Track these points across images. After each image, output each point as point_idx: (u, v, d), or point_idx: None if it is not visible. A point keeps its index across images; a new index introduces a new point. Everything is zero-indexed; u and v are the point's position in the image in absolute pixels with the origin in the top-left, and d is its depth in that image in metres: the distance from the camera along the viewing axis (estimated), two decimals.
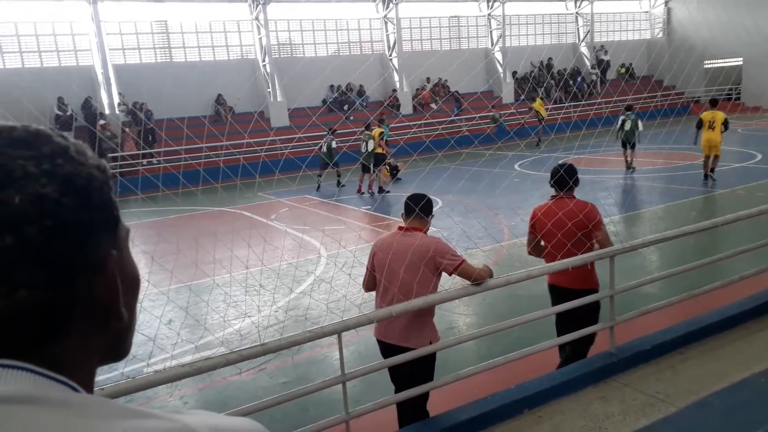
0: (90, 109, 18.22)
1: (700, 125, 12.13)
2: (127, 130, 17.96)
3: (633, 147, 14.03)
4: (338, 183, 15.15)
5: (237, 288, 6.00)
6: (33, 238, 0.51)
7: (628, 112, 14.29)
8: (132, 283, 0.62)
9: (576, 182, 4.27)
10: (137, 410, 0.54)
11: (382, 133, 14.61)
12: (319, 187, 14.68)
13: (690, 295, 4.71)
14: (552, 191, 4.31)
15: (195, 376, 3.19)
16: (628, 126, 13.95)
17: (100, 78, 19.08)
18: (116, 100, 19.17)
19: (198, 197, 10.21)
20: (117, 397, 2.90)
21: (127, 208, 10.29)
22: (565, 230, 4.03)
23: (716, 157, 11.92)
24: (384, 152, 14.33)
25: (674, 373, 4.10)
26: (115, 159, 15.70)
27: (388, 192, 13.83)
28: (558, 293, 4.27)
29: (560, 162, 4.38)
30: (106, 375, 3.70)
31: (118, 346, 0.63)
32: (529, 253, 4.48)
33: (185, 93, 18.85)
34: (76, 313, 0.55)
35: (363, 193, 14.04)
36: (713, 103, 12.52)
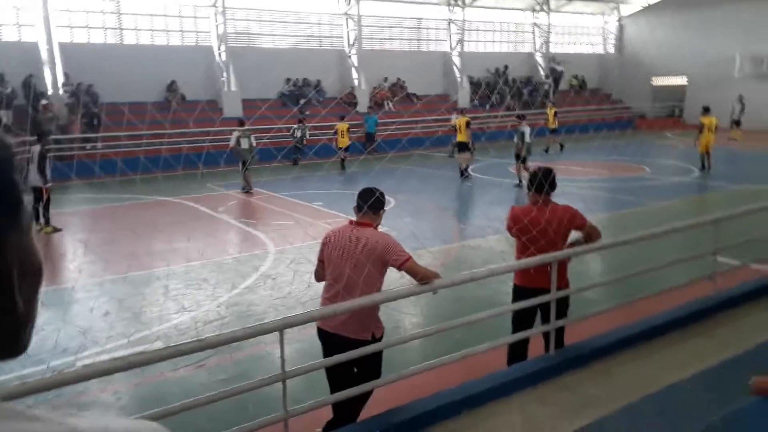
0: (31, 88, 17.34)
1: (701, 129, 14.47)
2: (74, 112, 17.21)
3: (524, 161, 13.15)
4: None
5: (178, 281, 5.82)
6: None
7: (523, 121, 13.58)
8: (32, 272, 0.58)
9: (553, 186, 4.33)
10: (20, 411, 0.50)
11: (468, 122, 14.75)
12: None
13: (626, 302, 4.88)
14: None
15: (128, 370, 3.07)
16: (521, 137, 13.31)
17: (44, 56, 18.21)
18: (60, 79, 18.34)
19: (138, 186, 9.86)
20: (44, 391, 2.76)
21: (66, 194, 9.83)
22: (549, 236, 4.14)
23: (709, 153, 14.68)
24: (467, 140, 14.51)
25: (608, 377, 4.24)
26: (57, 141, 15.01)
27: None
28: (533, 294, 4.27)
29: (539, 166, 4.43)
30: (31, 369, 3.51)
31: (12, 340, 0.57)
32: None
33: (135, 77, 18.18)
34: None
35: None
36: (707, 110, 14.73)
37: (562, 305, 4.40)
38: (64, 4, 18.84)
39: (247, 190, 12.98)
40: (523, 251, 4.31)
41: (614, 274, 6.18)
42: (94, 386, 4.16)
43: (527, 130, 13.41)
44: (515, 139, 13.68)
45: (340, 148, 16.01)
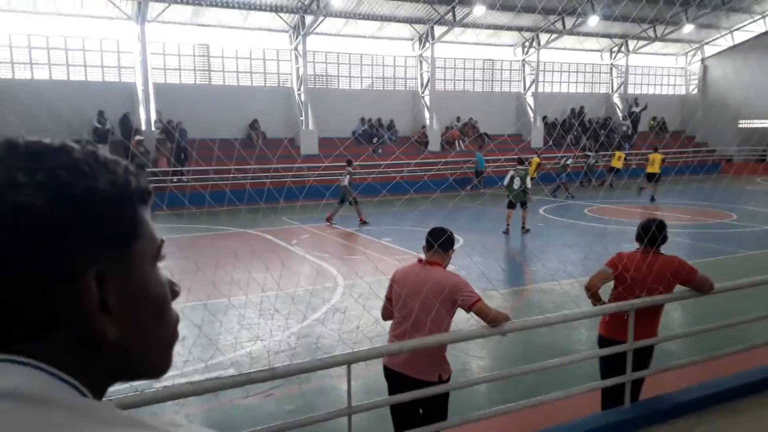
0: (127, 125, 18.74)
1: None
2: (161, 148, 18.40)
3: (524, 206, 12.74)
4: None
5: (252, 310, 6.01)
6: (3, 243, 0.52)
7: (519, 167, 12.94)
8: (147, 303, 0.62)
9: (665, 239, 4.17)
10: (138, 420, 0.54)
11: (664, 158, 17.99)
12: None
13: (711, 357, 4.58)
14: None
15: (202, 395, 3.19)
16: (517, 184, 12.50)
17: (140, 95, 19.69)
18: (153, 117, 19.71)
19: (222, 217, 10.35)
20: (123, 410, 2.90)
21: (157, 223, 10.48)
22: (647, 288, 3.99)
23: None
24: (658, 172, 17.50)
25: None
26: (152, 174, 16.07)
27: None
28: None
29: (651, 217, 4.28)
30: (115, 387, 3.71)
31: (127, 365, 0.62)
32: (588, 288, 4.19)
33: (220, 115, 19.29)
34: (57, 319, 0.55)
35: (526, 230, 12.94)
36: None
37: (643, 358, 4.18)
38: (159, 48, 20.39)
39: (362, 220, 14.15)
40: (617, 301, 4.16)
41: (695, 325, 5.83)
42: (169, 408, 4.34)
43: (509, 175, 12.84)
44: (513, 185, 12.85)
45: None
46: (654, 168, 18.00)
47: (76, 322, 0.56)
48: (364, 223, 14.07)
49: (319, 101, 21.69)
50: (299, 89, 21.94)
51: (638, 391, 4.25)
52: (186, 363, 3.58)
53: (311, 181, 11.09)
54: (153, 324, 0.63)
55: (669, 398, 4.29)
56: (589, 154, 21.86)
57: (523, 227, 12.91)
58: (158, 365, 0.65)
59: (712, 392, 4.35)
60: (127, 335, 0.59)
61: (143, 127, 19.45)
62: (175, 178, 17.03)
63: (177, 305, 0.68)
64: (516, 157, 13.88)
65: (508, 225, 12.80)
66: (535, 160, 18.32)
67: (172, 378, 4.09)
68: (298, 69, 21.99)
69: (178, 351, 5.37)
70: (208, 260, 6.88)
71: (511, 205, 12.79)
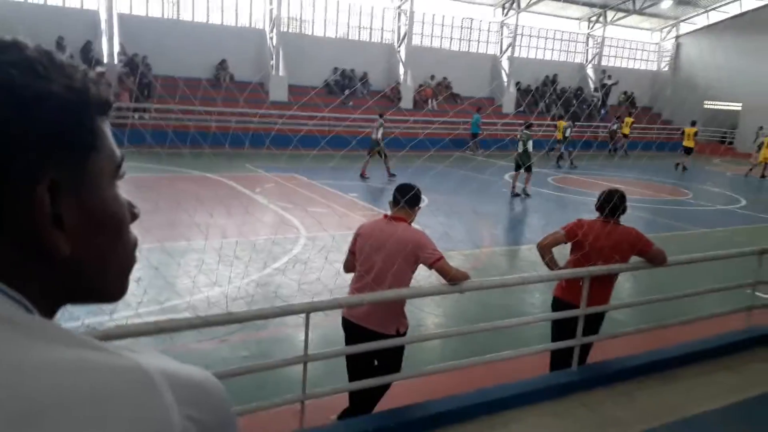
0: (88, 55, 17.83)
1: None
2: (125, 81, 17.65)
3: (528, 170, 12.94)
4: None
5: (211, 255, 5.94)
6: None
7: (525, 131, 13.02)
8: (103, 220, 0.58)
9: (624, 210, 4.25)
10: (88, 340, 0.51)
11: (696, 132, 19.02)
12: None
13: (658, 326, 4.77)
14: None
15: (156, 335, 3.15)
16: (521, 147, 12.87)
17: (103, 25, 18.71)
18: (116, 49, 18.82)
19: (184, 159, 10.07)
20: None
21: None
22: (605, 257, 4.09)
23: None
24: (693, 146, 19.08)
25: (630, 400, 4.16)
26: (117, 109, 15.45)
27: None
28: (569, 308, 4.24)
29: (612, 188, 4.34)
30: (67, 323, 3.63)
31: (80, 285, 0.58)
32: (539, 245, 4.26)
33: (187, 53, 18.54)
34: (4, 230, 0.52)
35: (527, 195, 13.28)
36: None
37: (594, 323, 4.32)
38: None
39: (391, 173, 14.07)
40: (574, 266, 4.25)
41: (645, 296, 6.05)
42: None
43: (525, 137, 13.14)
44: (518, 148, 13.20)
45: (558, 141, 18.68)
46: (690, 142, 19.33)
47: (25, 234, 0.52)
48: (392, 176, 14.05)
49: (291, 46, 21.04)
50: (271, 32, 21.22)
51: (586, 355, 4.42)
52: (140, 304, 3.53)
53: (277, 129, 10.92)
54: (110, 243, 0.59)
55: (614, 363, 4.47)
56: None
57: (524, 191, 13.21)
58: (113, 288, 0.61)
59: (654, 360, 4.56)
60: (81, 253, 0.56)
61: (105, 59, 18.56)
62: (137, 115, 16.44)
63: None
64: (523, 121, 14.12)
65: (513, 188, 13.26)
66: (561, 123, 18.71)
67: (125, 318, 4.02)
68: (271, 10, 21.21)
69: (133, 291, 5.27)
70: (168, 202, 6.72)
71: (517, 167, 13.06)
